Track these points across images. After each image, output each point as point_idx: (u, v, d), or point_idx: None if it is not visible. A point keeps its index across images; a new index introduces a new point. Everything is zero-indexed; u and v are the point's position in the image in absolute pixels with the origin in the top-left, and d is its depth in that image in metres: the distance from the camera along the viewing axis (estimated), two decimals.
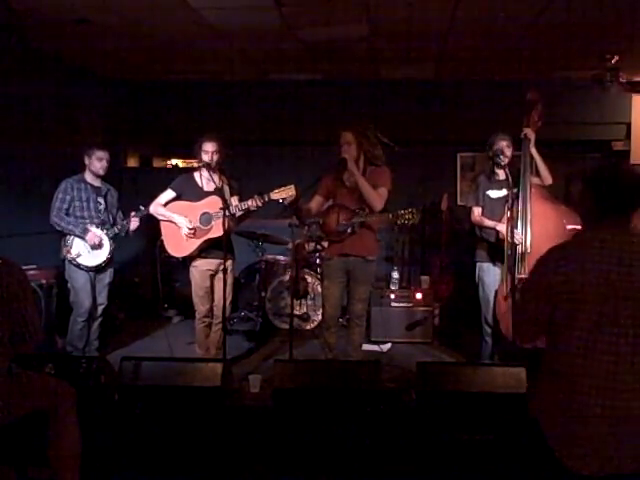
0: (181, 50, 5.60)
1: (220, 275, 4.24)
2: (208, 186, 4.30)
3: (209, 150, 4.24)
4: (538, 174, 4.19)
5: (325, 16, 4.60)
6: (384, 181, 4.06)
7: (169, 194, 4.37)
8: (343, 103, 6.59)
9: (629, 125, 6.54)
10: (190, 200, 4.32)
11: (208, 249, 4.27)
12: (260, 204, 4.09)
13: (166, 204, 4.37)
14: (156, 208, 4.38)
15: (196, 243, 4.25)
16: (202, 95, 6.90)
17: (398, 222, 3.91)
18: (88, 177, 4.63)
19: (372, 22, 4.75)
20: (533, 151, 4.16)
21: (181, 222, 4.25)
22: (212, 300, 4.38)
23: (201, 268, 4.33)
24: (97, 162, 4.57)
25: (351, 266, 4.12)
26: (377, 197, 3.99)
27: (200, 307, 4.37)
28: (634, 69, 5.78)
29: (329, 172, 4.18)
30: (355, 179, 3.97)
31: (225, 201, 4.05)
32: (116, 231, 4.67)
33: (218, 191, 4.12)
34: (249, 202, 4.11)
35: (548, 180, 4.20)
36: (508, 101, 6.19)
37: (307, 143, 6.60)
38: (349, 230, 4.00)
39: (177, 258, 4.39)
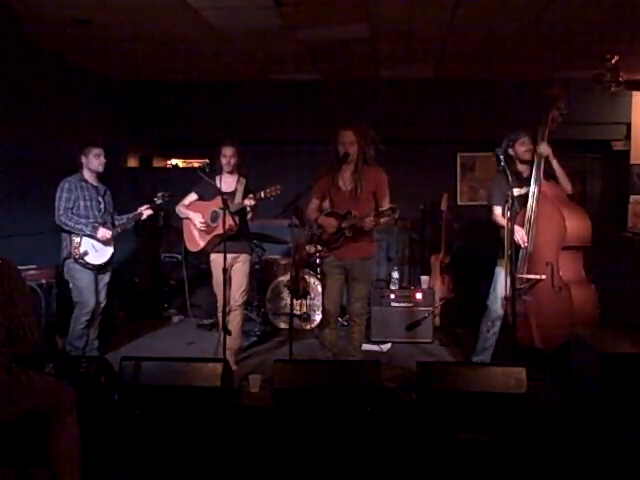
0: (181, 50, 5.60)
1: (236, 267, 4.59)
2: (226, 187, 4.53)
3: (227, 154, 4.55)
4: (556, 182, 4.23)
5: (325, 16, 4.61)
6: (386, 190, 4.10)
7: (192, 196, 4.69)
8: (343, 103, 6.59)
9: (629, 125, 6.55)
10: (208, 200, 4.59)
11: (220, 244, 4.42)
12: (253, 202, 4.37)
13: (189, 205, 4.68)
14: (179, 208, 4.70)
15: (206, 239, 4.58)
16: (202, 95, 6.91)
17: (382, 220, 3.88)
18: (87, 176, 4.63)
19: (372, 22, 4.75)
20: (554, 163, 4.17)
21: (194, 218, 4.60)
22: (223, 290, 4.55)
23: (217, 261, 4.52)
24: (95, 159, 4.58)
25: (348, 265, 4.15)
26: (387, 219, 3.99)
27: (219, 297, 4.59)
28: (634, 69, 5.78)
29: (324, 173, 4.19)
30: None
31: (225, 199, 4.17)
32: (119, 230, 4.71)
33: (227, 193, 4.42)
34: (245, 202, 4.40)
35: (568, 189, 4.21)
36: (508, 101, 6.22)
37: (307, 143, 6.60)
38: (341, 238, 4.03)
39: (177, 258, 4.50)
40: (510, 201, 3.82)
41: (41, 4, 4.32)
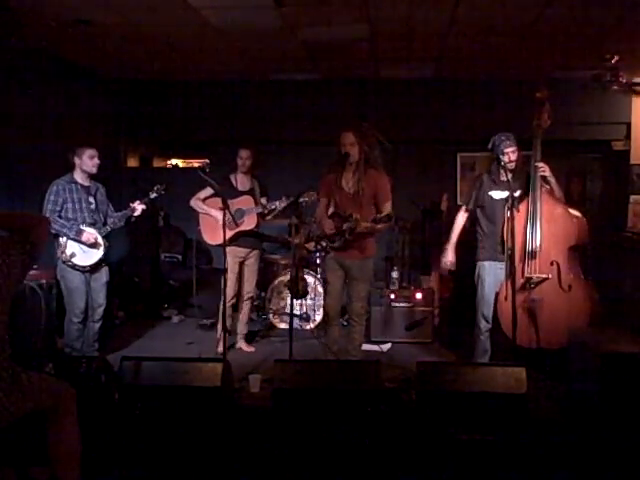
0: (181, 50, 5.60)
1: (248, 262, 5.03)
2: (242, 186, 4.96)
3: (243, 156, 4.93)
4: (550, 189, 4.27)
5: (325, 16, 4.61)
6: (387, 193, 4.10)
7: (208, 191, 4.91)
8: (343, 103, 6.59)
9: (629, 125, 6.54)
10: (228, 198, 4.71)
11: (239, 239, 4.86)
12: (285, 205, 4.75)
13: (204, 200, 4.97)
14: (196, 202, 5.00)
15: (229, 234, 4.70)
16: (202, 95, 6.91)
17: (378, 226, 3.88)
18: (78, 177, 4.59)
19: (372, 22, 4.75)
20: (552, 180, 4.22)
21: (218, 215, 4.77)
22: (240, 282, 5.03)
23: (232, 254, 4.78)
24: (89, 160, 4.54)
25: (348, 264, 4.17)
26: (385, 225, 3.99)
27: (228, 289, 4.71)
28: (634, 69, 5.78)
29: (328, 172, 4.22)
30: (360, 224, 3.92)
31: (225, 200, 4.33)
32: (108, 229, 4.65)
33: (246, 191, 4.89)
34: (277, 202, 4.80)
35: (559, 195, 4.29)
36: (508, 101, 6.22)
37: (307, 143, 6.61)
38: (341, 240, 4.03)
39: (177, 258, 4.57)
40: (510, 201, 3.83)
41: (41, 4, 4.32)
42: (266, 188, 5.09)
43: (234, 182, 4.98)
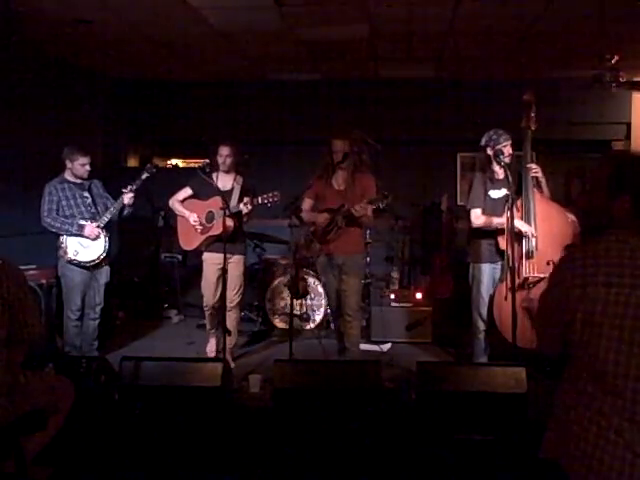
0: (181, 50, 5.61)
1: (230, 268, 4.38)
2: (222, 186, 4.46)
3: (223, 154, 4.53)
4: (540, 190, 4.26)
5: (325, 16, 4.61)
6: (373, 194, 4.13)
7: (187, 191, 4.65)
8: (343, 103, 6.59)
9: (629, 125, 6.55)
10: (203, 199, 4.57)
11: (216, 244, 4.44)
12: (250, 207, 4.33)
13: (184, 200, 4.66)
14: (173, 203, 4.68)
15: (200, 238, 4.54)
16: (202, 95, 6.91)
17: (373, 206, 3.98)
18: (70, 177, 4.63)
19: (372, 22, 4.75)
20: (543, 181, 4.22)
21: (189, 217, 4.55)
22: (222, 289, 4.44)
23: (209, 262, 4.57)
24: (80, 167, 4.59)
25: (340, 262, 4.23)
26: (371, 221, 4.32)
27: (207, 297, 4.62)
28: (634, 69, 5.78)
29: (319, 176, 4.32)
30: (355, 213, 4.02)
31: (225, 201, 4.17)
32: (105, 220, 4.63)
33: (224, 192, 4.35)
34: (241, 206, 4.35)
35: (548, 195, 4.29)
36: (508, 101, 6.20)
37: (307, 143, 6.60)
38: (334, 229, 4.14)
39: (177, 258, 4.50)
40: (510, 201, 3.82)
41: (41, 4, 4.32)
42: (251, 188, 4.57)
43: (215, 181, 4.47)
